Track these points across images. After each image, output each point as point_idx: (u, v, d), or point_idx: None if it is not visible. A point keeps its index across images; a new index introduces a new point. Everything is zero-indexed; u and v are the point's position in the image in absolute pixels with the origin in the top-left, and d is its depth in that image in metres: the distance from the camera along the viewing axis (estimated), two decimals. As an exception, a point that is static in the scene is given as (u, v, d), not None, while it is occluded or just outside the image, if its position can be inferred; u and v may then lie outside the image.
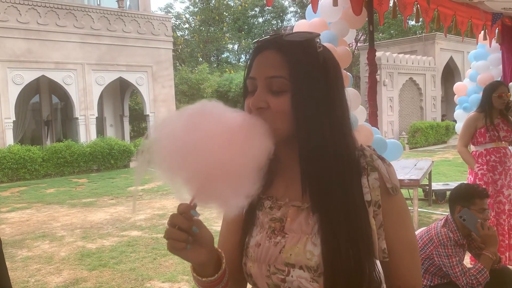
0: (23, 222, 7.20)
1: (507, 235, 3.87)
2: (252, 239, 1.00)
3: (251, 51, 1.01)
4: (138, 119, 22.66)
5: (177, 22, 31.83)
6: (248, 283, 1.04)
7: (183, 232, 0.82)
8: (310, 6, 3.22)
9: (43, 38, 13.61)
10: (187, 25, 33.20)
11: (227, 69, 27.60)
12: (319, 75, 0.93)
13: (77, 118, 14.54)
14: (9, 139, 13.03)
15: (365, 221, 0.92)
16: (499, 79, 5.10)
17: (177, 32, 30.71)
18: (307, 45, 0.94)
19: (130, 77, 15.70)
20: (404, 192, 7.01)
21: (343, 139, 0.95)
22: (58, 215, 7.61)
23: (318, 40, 0.96)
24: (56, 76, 13.97)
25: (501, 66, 5.40)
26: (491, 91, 3.87)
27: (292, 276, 0.93)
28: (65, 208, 8.21)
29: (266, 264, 0.96)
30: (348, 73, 3.37)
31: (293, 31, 0.98)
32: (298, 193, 0.96)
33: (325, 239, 0.90)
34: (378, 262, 0.98)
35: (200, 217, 0.86)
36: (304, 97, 0.92)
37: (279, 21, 33.61)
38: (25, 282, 4.43)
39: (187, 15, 32.93)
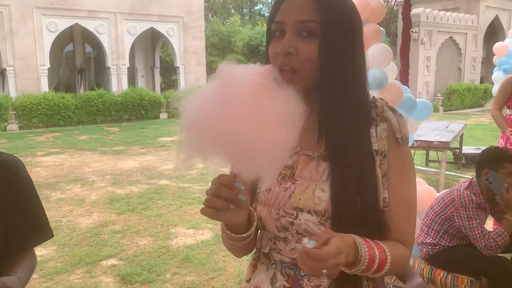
0: (57, 166, 7.52)
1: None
2: (263, 185, 1.03)
3: None
4: (169, 71, 22.67)
5: (210, -28, 31.08)
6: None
7: (225, 202, 0.86)
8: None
9: (77, -15, 13.60)
10: (220, -25, 32.39)
11: (259, 22, 27.04)
12: (347, 22, 0.94)
13: (109, 68, 14.72)
14: (44, 86, 13.38)
15: (372, 170, 0.95)
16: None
17: (210, -17, 30.04)
18: None
19: (162, 28, 15.64)
20: (433, 154, 6.89)
21: (364, 88, 0.97)
22: (89, 161, 7.90)
23: None
24: (89, 25, 14.06)
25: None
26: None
27: (300, 220, 0.96)
28: (97, 155, 8.50)
29: (275, 208, 0.99)
30: (382, 28, 3.24)
31: None
32: (310, 143, 0.99)
33: (334, 186, 0.93)
34: None
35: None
36: (334, 44, 0.92)
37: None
38: (58, 222, 4.68)
39: (221, -35, 32.04)
